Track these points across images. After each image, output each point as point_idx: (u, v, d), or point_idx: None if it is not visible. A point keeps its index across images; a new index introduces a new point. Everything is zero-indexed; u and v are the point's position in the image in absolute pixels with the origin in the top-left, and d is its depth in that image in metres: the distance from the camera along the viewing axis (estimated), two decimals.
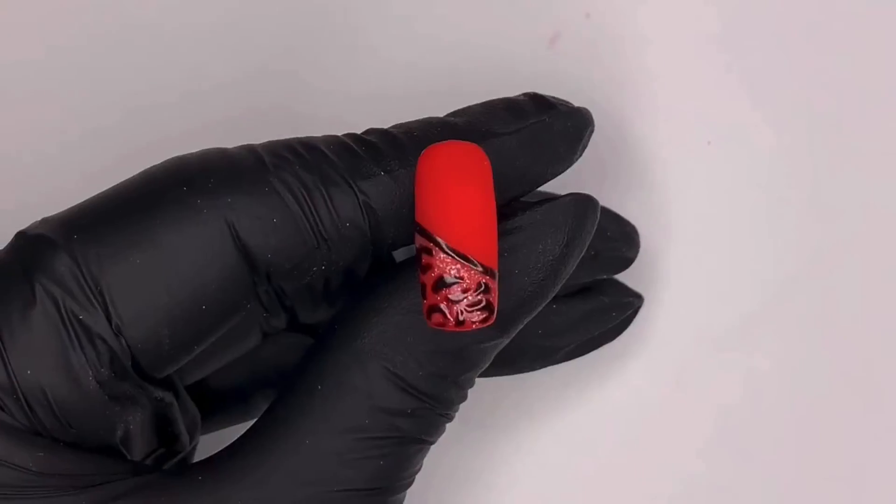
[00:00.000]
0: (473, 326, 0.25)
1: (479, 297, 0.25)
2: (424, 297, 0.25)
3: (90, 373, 0.25)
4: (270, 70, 0.38)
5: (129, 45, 0.37)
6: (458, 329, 0.25)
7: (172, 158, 0.27)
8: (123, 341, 0.26)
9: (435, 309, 0.25)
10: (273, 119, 0.38)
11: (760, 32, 0.36)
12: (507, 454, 0.35)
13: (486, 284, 0.25)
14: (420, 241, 0.25)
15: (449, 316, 0.25)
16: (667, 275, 0.35)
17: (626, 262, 0.33)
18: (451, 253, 0.25)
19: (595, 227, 0.28)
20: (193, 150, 0.28)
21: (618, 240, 0.33)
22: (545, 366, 0.33)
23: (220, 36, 0.37)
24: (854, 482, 0.33)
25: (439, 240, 0.25)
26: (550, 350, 0.33)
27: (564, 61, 0.37)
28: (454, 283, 0.25)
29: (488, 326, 0.25)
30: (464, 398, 0.28)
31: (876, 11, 0.35)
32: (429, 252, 0.25)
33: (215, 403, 0.32)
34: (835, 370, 0.34)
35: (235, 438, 0.28)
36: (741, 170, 0.35)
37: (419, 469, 0.28)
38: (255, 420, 0.28)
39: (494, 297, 0.25)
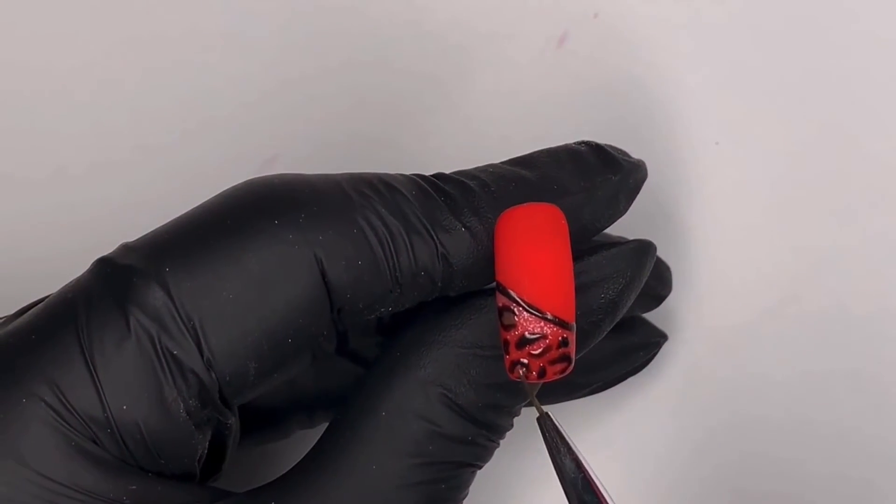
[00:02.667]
0: (554, 377, 0.26)
1: (559, 351, 0.26)
2: (507, 352, 0.26)
3: (181, 405, 0.26)
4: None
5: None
6: (539, 381, 0.26)
7: (255, 183, 0.27)
8: (214, 375, 0.26)
9: (518, 364, 0.26)
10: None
11: (768, 32, 0.36)
12: (514, 457, 0.36)
13: (565, 339, 0.26)
14: (501, 300, 0.26)
15: (532, 370, 0.26)
16: (676, 275, 0.36)
17: (659, 300, 0.35)
18: (533, 312, 0.26)
19: (650, 270, 0.29)
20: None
21: (654, 279, 0.34)
22: (569, 399, 0.34)
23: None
24: (861, 483, 0.35)
25: (521, 300, 0.26)
26: (580, 386, 0.34)
27: (573, 61, 0.37)
28: (537, 340, 0.26)
29: None
30: (512, 426, 0.29)
31: (883, 11, 0.36)
32: (510, 311, 0.26)
33: (251, 422, 0.32)
34: (844, 371, 0.35)
35: (298, 460, 0.28)
36: (750, 170, 0.36)
37: (468, 493, 0.29)
38: (315, 442, 0.28)
39: (573, 349, 0.26)
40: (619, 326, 0.33)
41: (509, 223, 0.26)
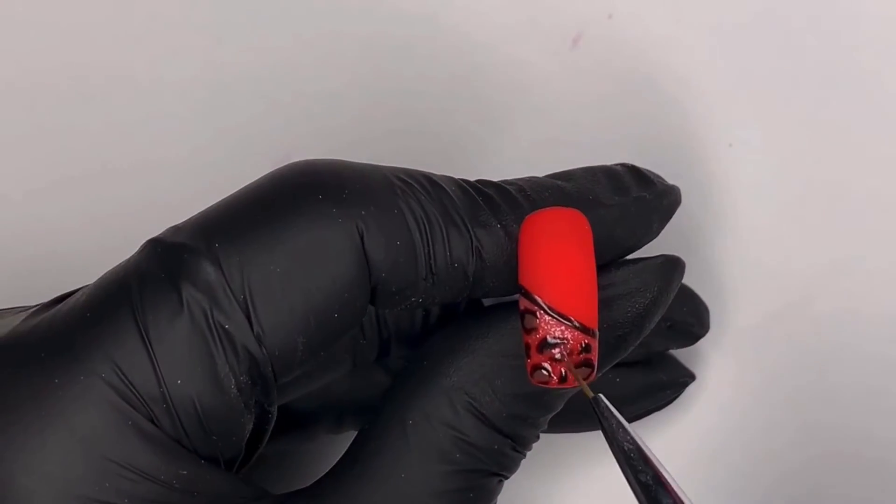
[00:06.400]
0: (576, 384, 0.26)
1: (581, 356, 0.26)
2: (528, 356, 0.26)
3: (233, 381, 0.26)
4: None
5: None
6: (560, 386, 0.26)
7: (300, 163, 0.27)
8: (264, 349, 0.26)
9: (539, 368, 0.26)
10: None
11: (782, 34, 0.36)
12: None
13: (587, 344, 0.26)
14: (524, 303, 0.26)
15: (553, 374, 0.26)
16: (686, 275, 0.36)
17: (694, 338, 0.35)
18: (554, 315, 0.26)
19: (678, 286, 0.29)
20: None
21: (692, 316, 0.35)
22: (593, 430, 0.34)
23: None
24: (869, 489, 0.35)
25: (543, 302, 0.26)
26: None
27: (586, 62, 0.37)
28: (558, 344, 0.26)
29: None
30: (538, 438, 0.29)
31: (889, 16, 0.36)
32: (532, 314, 0.26)
33: (280, 423, 0.32)
34: (854, 374, 0.35)
35: (331, 467, 0.28)
36: (762, 172, 0.36)
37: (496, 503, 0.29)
38: (345, 450, 0.29)
39: (595, 355, 0.26)
40: (649, 363, 0.34)
41: (533, 226, 0.27)
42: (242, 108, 0.37)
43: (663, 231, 0.35)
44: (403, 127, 0.37)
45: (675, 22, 0.37)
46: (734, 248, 0.36)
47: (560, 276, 0.26)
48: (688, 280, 0.36)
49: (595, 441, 0.35)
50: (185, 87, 0.37)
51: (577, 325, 0.26)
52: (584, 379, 0.26)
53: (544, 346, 0.26)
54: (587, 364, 0.26)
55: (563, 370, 0.26)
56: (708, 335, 0.36)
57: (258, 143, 0.37)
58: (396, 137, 0.37)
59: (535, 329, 0.26)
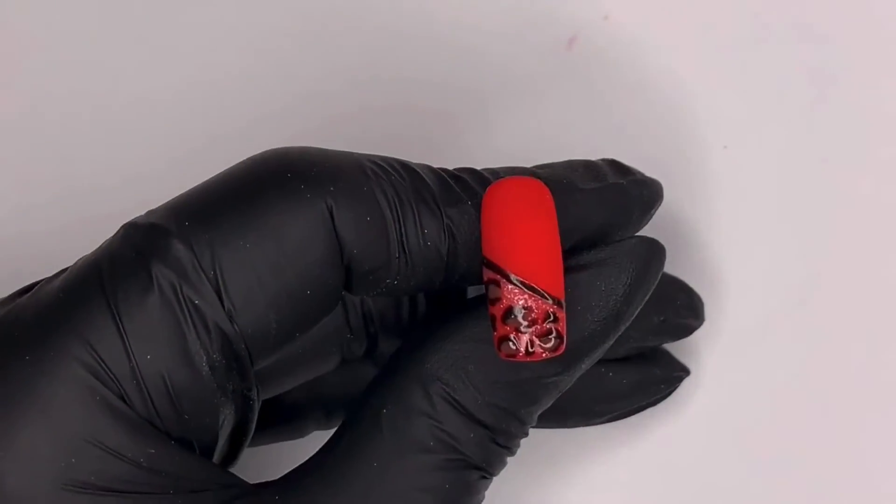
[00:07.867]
0: (544, 356, 0.26)
1: (547, 326, 0.26)
2: (494, 328, 0.26)
3: (204, 358, 0.26)
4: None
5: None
6: (528, 359, 0.26)
7: (273, 149, 0.28)
8: (236, 327, 0.26)
9: (505, 339, 0.26)
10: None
11: (778, 36, 0.36)
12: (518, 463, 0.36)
13: (553, 314, 0.26)
14: (488, 273, 0.26)
15: (519, 346, 0.26)
16: (683, 276, 0.35)
17: (689, 331, 0.34)
18: (518, 284, 0.26)
19: (661, 273, 0.29)
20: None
21: (686, 309, 0.34)
22: (587, 426, 0.34)
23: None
24: (866, 484, 0.34)
25: (506, 271, 0.26)
26: (597, 413, 0.34)
27: (582, 64, 0.37)
28: (522, 313, 0.26)
29: (553, 358, 0.26)
30: (525, 434, 0.28)
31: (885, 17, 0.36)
32: (496, 284, 0.26)
33: (269, 417, 0.32)
34: (850, 374, 0.35)
35: (307, 458, 0.28)
36: (757, 174, 0.36)
37: (482, 501, 0.28)
38: (325, 441, 0.28)
39: (563, 327, 0.26)
40: (643, 357, 0.34)
41: (493, 196, 0.26)
42: (238, 108, 0.38)
43: (660, 233, 0.35)
44: (397, 128, 0.37)
45: (671, 24, 0.37)
46: (729, 249, 0.36)
47: (522, 243, 0.26)
48: (684, 280, 0.35)
49: (589, 437, 0.35)
50: (180, 88, 0.38)
51: (541, 292, 0.26)
52: (553, 350, 0.26)
53: (508, 315, 0.26)
54: (556, 336, 0.26)
55: (529, 340, 0.26)
56: (703, 334, 0.35)
57: (255, 143, 0.37)
58: (391, 139, 0.37)
59: (499, 299, 0.26)
